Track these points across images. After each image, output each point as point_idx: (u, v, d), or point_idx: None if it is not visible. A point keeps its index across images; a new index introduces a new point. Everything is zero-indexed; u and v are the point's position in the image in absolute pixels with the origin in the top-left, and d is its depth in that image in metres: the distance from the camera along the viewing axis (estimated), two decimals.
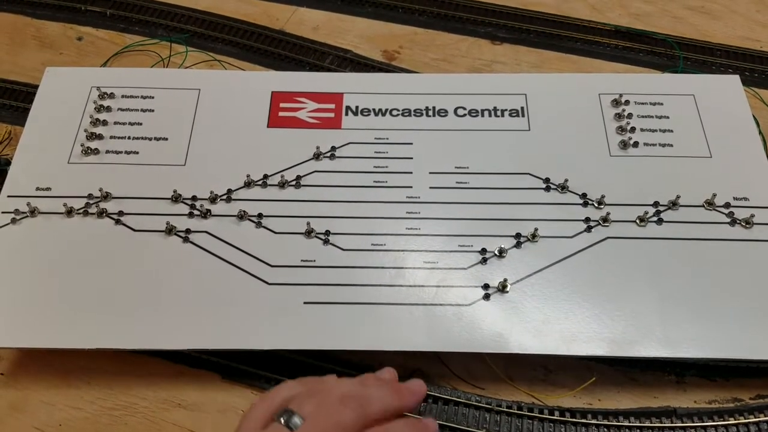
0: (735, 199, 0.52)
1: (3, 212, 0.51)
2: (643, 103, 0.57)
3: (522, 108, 0.57)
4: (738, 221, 0.51)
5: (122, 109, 0.57)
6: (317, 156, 0.54)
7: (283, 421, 0.38)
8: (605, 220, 0.51)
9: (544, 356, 0.47)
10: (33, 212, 0.51)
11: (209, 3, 0.71)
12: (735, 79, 0.59)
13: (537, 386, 0.48)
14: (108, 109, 0.57)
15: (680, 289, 0.48)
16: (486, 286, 0.48)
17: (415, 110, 0.57)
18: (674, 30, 0.69)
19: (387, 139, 0.55)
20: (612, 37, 0.68)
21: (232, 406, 0.47)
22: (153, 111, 0.57)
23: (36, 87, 0.59)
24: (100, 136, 0.55)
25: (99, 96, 0.57)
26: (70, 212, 0.51)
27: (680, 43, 0.67)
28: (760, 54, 0.67)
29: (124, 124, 0.56)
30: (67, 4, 0.71)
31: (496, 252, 0.49)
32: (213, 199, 0.52)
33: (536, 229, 0.50)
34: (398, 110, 0.57)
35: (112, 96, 0.58)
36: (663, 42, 0.68)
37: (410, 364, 0.49)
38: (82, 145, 0.54)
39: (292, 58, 0.67)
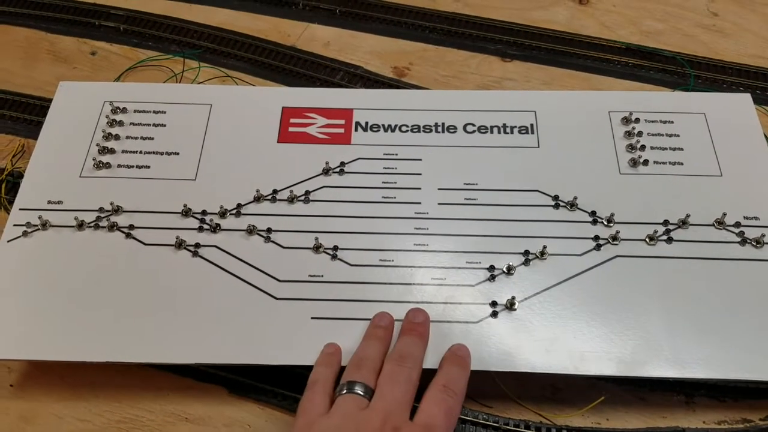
0: (745, 218, 0.51)
1: (15, 225, 0.52)
2: (653, 121, 0.57)
3: (531, 125, 0.57)
4: (748, 241, 0.50)
5: (134, 124, 0.58)
6: (326, 171, 0.54)
7: (346, 391, 0.42)
8: (614, 238, 0.50)
9: (553, 375, 0.46)
10: (44, 225, 0.51)
11: (222, 19, 0.72)
12: (746, 98, 0.59)
13: (545, 405, 0.48)
14: (120, 123, 0.57)
15: (690, 308, 0.48)
16: (494, 304, 0.48)
17: (424, 126, 0.57)
18: (685, 48, 0.69)
19: (396, 155, 0.55)
20: (622, 55, 0.68)
21: (238, 420, 0.47)
22: (165, 126, 0.58)
23: (49, 101, 0.59)
24: (112, 151, 0.56)
25: (111, 110, 0.58)
26: (81, 225, 0.51)
27: (691, 61, 0.67)
28: None
29: (135, 138, 0.57)
30: (82, 19, 0.71)
31: (505, 269, 0.49)
32: (222, 214, 0.52)
33: (545, 247, 0.50)
34: (407, 126, 0.57)
35: (124, 110, 0.58)
36: (673, 60, 0.67)
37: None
38: (93, 159, 0.55)
39: (303, 74, 0.67)
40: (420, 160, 0.55)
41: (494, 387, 0.48)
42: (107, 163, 0.55)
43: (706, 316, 0.47)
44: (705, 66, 0.67)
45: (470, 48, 0.70)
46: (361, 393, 0.42)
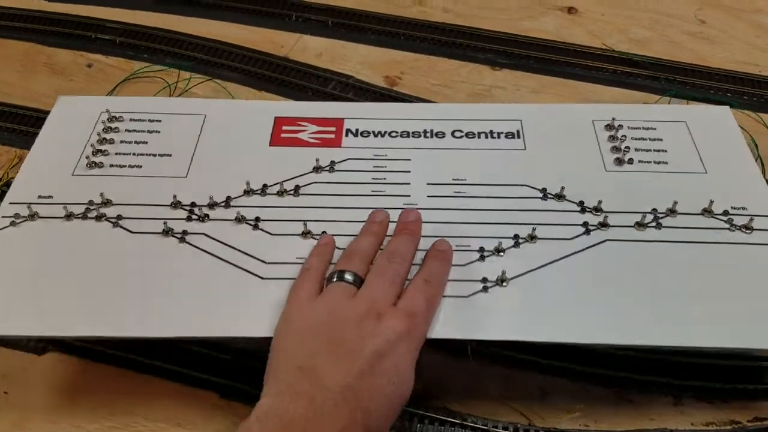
0: (733, 208, 0.51)
1: (3, 216, 0.52)
2: (636, 128, 0.57)
3: (518, 131, 0.58)
4: (737, 227, 0.50)
5: (129, 131, 0.58)
6: (317, 169, 0.55)
7: (336, 279, 0.44)
8: (604, 224, 0.50)
9: (541, 378, 0.46)
10: (33, 216, 0.51)
11: (216, 31, 0.73)
12: (725, 110, 0.59)
13: (533, 407, 0.48)
14: (116, 130, 0.58)
15: (678, 288, 0.47)
16: (485, 280, 0.47)
17: (413, 132, 0.58)
18: (673, 55, 0.70)
19: (386, 155, 0.56)
20: (611, 63, 0.69)
21: (230, 426, 0.47)
22: (159, 132, 0.58)
23: (46, 112, 0.60)
24: (105, 152, 0.56)
25: (108, 119, 0.59)
26: (69, 216, 0.51)
27: (678, 68, 0.68)
28: (759, 78, 0.67)
29: (130, 142, 0.57)
30: (78, 32, 0.73)
31: (494, 250, 0.49)
32: (212, 205, 0.52)
33: (534, 229, 0.50)
34: (397, 132, 0.58)
35: (120, 119, 0.59)
36: (661, 67, 0.68)
37: None
38: (87, 158, 0.55)
39: (295, 84, 0.68)
40: (409, 160, 0.56)
41: (482, 389, 0.48)
42: (100, 162, 0.55)
43: (695, 296, 0.46)
44: (692, 73, 0.68)
45: (461, 57, 0.71)
46: (350, 280, 0.44)
